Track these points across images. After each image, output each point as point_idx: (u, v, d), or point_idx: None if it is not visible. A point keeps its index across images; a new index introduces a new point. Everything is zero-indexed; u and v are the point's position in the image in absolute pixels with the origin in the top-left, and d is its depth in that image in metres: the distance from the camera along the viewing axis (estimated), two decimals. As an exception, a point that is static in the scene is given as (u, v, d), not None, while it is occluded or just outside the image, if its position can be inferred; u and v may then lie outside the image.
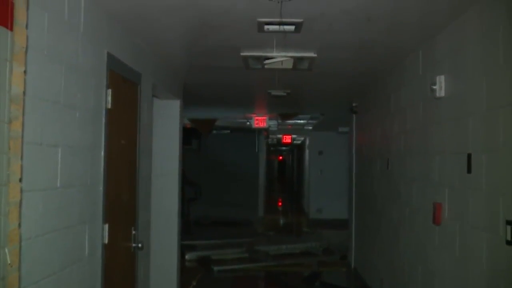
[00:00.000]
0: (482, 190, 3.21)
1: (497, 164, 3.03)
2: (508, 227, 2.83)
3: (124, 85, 4.16)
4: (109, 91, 3.73)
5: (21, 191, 2.29)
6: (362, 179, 7.81)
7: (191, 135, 14.38)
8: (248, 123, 12.94)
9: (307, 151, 17.95)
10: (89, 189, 3.44)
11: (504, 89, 2.96)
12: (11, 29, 2.17)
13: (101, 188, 3.62)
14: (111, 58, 3.78)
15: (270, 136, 18.76)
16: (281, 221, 16.83)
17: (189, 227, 11.83)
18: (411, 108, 4.89)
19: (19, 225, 2.27)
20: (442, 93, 3.91)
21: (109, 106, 3.74)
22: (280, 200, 24.85)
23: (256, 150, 16.39)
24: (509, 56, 2.91)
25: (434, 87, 3.98)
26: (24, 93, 2.29)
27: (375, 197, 6.68)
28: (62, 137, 3.01)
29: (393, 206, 5.59)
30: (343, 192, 12.34)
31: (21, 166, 2.27)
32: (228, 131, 15.73)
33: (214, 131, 14.93)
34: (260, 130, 14.80)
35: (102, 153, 3.64)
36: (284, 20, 3.69)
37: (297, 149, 27.48)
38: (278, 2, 3.32)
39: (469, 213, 3.41)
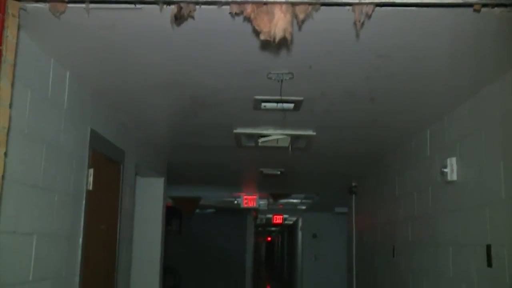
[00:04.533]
0: (506, 286, 3.19)
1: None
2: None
3: (106, 164, 4.18)
4: (91, 171, 3.76)
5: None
6: (364, 267, 7.71)
7: (171, 215, 14.23)
8: (236, 202, 12.89)
9: (299, 233, 17.80)
10: (64, 282, 3.37)
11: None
12: (-5, 110, 2.21)
13: (76, 279, 3.56)
14: (94, 136, 3.82)
15: (259, 216, 18.67)
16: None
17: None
18: (419, 193, 4.93)
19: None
20: (454, 177, 3.95)
21: (90, 187, 3.74)
22: (269, 288, 24.33)
23: (244, 232, 16.24)
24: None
25: (445, 170, 4.03)
26: (3, 177, 2.29)
27: (379, 290, 6.58)
28: (38, 224, 2.98)
29: (400, 301, 5.51)
30: (341, 281, 12.13)
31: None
32: (213, 211, 15.63)
33: (198, 211, 14.83)
34: (248, 210, 14.73)
35: (80, 240, 3.61)
36: (283, 98, 3.78)
37: (288, 230, 27.24)
38: (279, 81, 3.42)
39: (489, 313, 3.37)
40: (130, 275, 5.07)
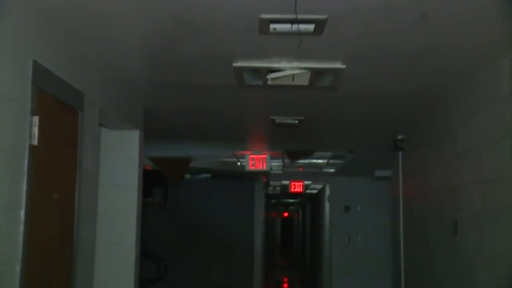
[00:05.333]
0: None
1: None
2: None
3: (58, 110, 4.18)
4: (35, 119, 3.75)
5: None
6: (415, 250, 7.77)
7: (152, 182, 14.34)
8: (239, 163, 12.92)
9: (326, 206, 17.92)
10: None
11: None
12: None
13: (17, 268, 3.58)
14: (39, 71, 3.79)
15: (271, 182, 18.78)
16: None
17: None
18: (491, 146, 4.92)
19: None
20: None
21: (35, 142, 3.75)
22: (286, 281, 24.67)
23: (251, 205, 16.37)
24: None
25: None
26: None
27: (438, 281, 6.62)
28: (-38, 192, 2.98)
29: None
30: (384, 269, 12.25)
31: None
32: (209, 176, 15.72)
33: (188, 176, 14.91)
34: (256, 175, 14.79)
35: (22, 214, 3.62)
36: (299, 17, 3.74)
37: (311, 202, 27.46)
38: (293, -8, 3.39)
39: None
40: (95, 261, 5.13)
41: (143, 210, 6.53)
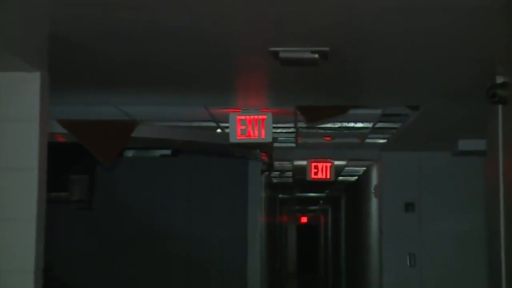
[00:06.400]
0: None
1: None
2: None
3: None
4: None
5: None
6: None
7: (69, 165, 14.38)
8: (219, 130, 12.97)
9: (373, 202, 18.02)
10: None
11: None
12: None
13: None
14: None
15: (277, 163, 18.82)
16: None
17: None
18: None
19: None
20: None
21: None
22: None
23: (242, 202, 16.44)
24: None
25: None
26: None
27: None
28: None
29: None
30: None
31: None
32: (168, 153, 15.77)
33: (131, 153, 14.97)
34: (251, 150, 14.82)
35: None
36: None
37: (348, 196, 27.61)
38: None
39: None
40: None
41: (51, 211, 6.56)
